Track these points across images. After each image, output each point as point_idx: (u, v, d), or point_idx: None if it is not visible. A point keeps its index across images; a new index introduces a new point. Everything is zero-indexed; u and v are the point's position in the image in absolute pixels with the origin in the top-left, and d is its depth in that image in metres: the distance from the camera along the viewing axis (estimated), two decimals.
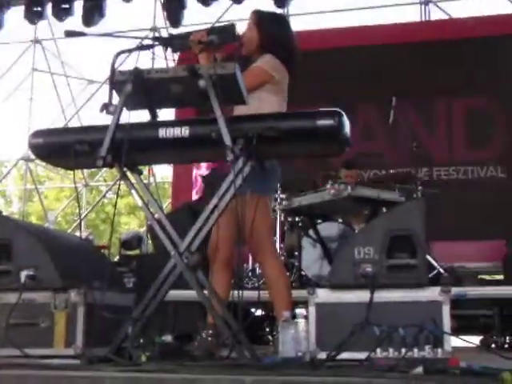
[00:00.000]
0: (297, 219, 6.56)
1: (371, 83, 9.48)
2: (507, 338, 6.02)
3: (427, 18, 11.13)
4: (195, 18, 11.30)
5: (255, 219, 3.49)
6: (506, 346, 5.95)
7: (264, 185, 3.75)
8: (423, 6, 11.16)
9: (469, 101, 9.64)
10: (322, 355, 2.99)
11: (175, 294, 4.01)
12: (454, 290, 3.43)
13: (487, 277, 8.11)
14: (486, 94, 9.53)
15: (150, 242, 8.27)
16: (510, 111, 9.41)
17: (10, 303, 3.36)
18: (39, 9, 11.40)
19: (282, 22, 4.30)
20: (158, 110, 3.50)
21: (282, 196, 6.37)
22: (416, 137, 7.45)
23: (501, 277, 7.55)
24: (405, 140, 7.65)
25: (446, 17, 10.97)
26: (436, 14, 11.09)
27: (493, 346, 6.01)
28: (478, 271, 8.03)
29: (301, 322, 3.20)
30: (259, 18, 4.12)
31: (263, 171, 3.48)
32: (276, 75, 3.91)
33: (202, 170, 9.35)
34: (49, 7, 11.34)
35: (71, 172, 3.96)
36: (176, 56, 10.53)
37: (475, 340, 6.01)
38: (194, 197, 9.87)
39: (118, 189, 3.67)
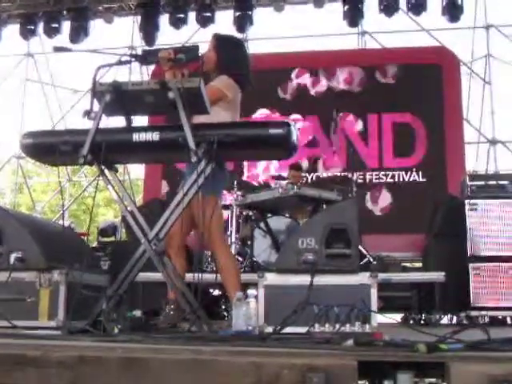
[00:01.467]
0: (250, 213, 6.57)
1: (316, 100, 9.56)
2: (423, 315, 6.12)
3: (363, 47, 11.23)
4: (167, 39, 11.17)
5: (207, 215, 3.48)
6: (422, 322, 6.05)
7: (214, 187, 3.70)
8: (360, 36, 11.26)
9: (395, 116, 9.78)
10: (269, 329, 2.99)
11: (144, 276, 3.98)
12: (381, 276, 3.46)
13: (409, 264, 8.23)
14: (410, 110, 9.68)
15: (123, 230, 8.19)
16: (429, 126, 9.58)
17: (0, 281, 3.30)
18: (32, 27, 11.27)
19: (237, 45, 4.27)
20: (132, 117, 3.46)
21: (238, 193, 6.37)
22: (352, 145, 7.52)
23: (420, 264, 7.68)
24: (343, 148, 7.70)
25: (380, 46, 11.08)
26: (371, 44, 11.21)
27: (411, 322, 6.11)
28: (401, 260, 8.15)
29: (252, 301, 3.19)
30: (217, 40, 4.09)
31: (221, 172, 3.47)
32: (229, 94, 3.88)
33: None
34: (40, 26, 11.25)
35: (56, 168, 3.89)
36: (150, 70, 10.45)
37: (397, 317, 6.10)
38: None
39: (97, 184, 3.63)
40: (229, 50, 4.04)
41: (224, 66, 3.97)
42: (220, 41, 4.09)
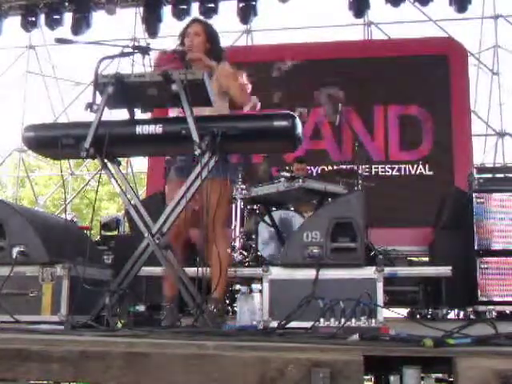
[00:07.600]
0: (254, 207, 6.56)
1: (321, 91, 9.52)
2: (430, 310, 6.12)
3: (369, 38, 11.19)
4: (170, 30, 11.17)
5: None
6: (429, 316, 6.05)
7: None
8: (366, 27, 11.23)
9: (402, 108, 9.74)
10: (274, 324, 2.99)
11: (147, 270, 3.98)
12: (387, 270, 3.46)
13: (415, 259, 8.23)
14: (417, 102, 9.65)
15: (126, 224, 8.21)
16: (436, 118, 9.55)
17: (3, 276, 3.31)
18: (33, 19, 11.24)
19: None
20: (135, 110, 3.46)
21: (242, 186, 6.36)
22: (358, 138, 7.51)
23: (426, 259, 7.68)
24: (348, 140, 7.69)
25: (386, 37, 11.03)
26: (377, 35, 11.18)
27: (418, 316, 6.11)
28: (407, 254, 8.15)
29: (256, 295, 3.20)
30: (207, 26, 4.06)
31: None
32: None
33: None
34: (42, 17, 11.23)
35: (59, 162, 3.89)
36: (153, 62, 10.43)
37: (403, 312, 6.11)
38: None
39: (100, 177, 3.63)
40: (218, 38, 4.05)
41: (219, 53, 3.99)
42: (210, 27, 4.07)
